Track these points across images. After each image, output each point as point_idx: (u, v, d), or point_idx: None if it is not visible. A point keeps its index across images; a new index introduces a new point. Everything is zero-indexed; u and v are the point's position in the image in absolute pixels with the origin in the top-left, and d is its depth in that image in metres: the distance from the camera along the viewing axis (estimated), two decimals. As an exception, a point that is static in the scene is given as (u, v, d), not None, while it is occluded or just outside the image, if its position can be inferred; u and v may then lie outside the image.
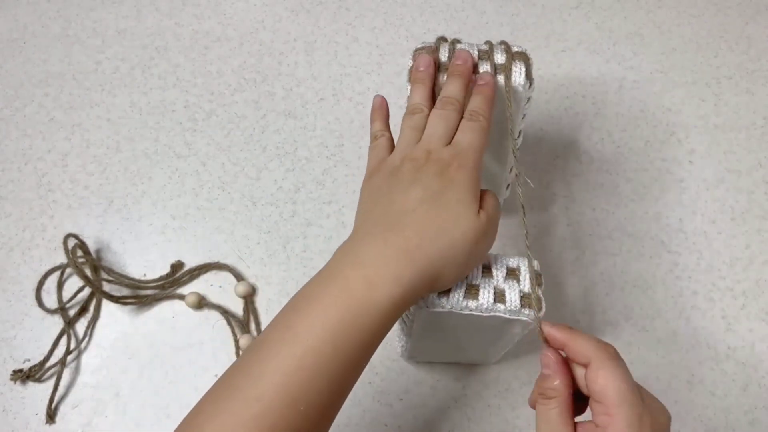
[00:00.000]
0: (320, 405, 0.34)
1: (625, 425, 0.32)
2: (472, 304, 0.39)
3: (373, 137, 0.44)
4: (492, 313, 0.39)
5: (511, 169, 0.51)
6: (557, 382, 0.35)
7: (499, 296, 0.39)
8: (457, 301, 0.39)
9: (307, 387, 0.34)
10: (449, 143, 0.40)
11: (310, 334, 0.34)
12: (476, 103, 0.42)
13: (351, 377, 0.36)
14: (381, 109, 0.45)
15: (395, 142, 0.44)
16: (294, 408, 0.33)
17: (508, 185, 0.54)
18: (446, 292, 0.39)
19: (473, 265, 0.39)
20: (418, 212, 0.37)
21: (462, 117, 0.42)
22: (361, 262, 0.36)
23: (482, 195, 0.39)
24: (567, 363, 0.36)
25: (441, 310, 0.39)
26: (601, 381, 0.33)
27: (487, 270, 0.40)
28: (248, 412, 0.33)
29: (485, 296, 0.39)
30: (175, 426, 0.34)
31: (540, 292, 0.40)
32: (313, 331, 0.34)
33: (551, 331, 0.37)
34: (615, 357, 0.34)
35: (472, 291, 0.39)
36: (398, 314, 0.36)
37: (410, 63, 0.45)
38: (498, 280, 0.40)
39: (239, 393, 0.34)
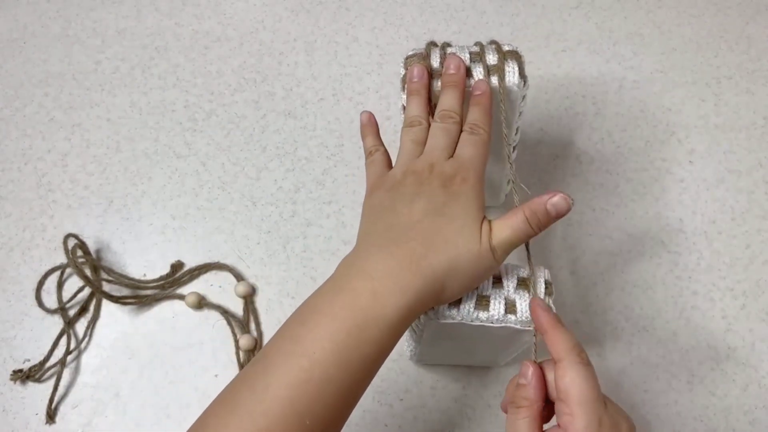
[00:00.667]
0: (327, 418, 0.34)
1: (584, 424, 0.32)
2: (482, 315, 0.39)
3: (368, 153, 0.44)
4: (503, 324, 0.39)
5: (510, 169, 0.51)
6: (531, 392, 0.35)
7: (510, 307, 0.39)
8: (467, 312, 0.39)
9: (313, 401, 0.33)
10: (451, 156, 0.40)
11: (316, 346, 0.34)
12: (475, 115, 0.41)
13: (358, 390, 0.36)
14: (370, 125, 0.45)
15: (390, 156, 0.43)
16: (300, 422, 0.33)
17: (509, 181, 0.54)
18: (457, 302, 0.39)
19: (480, 279, 0.39)
20: (423, 224, 0.37)
21: (462, 128, 0.42)
22: (367, 273, 0.36)
23: (507, 214, 0.38)
24: (544, 376, 0.36)
25: (451, 321, 0.39)
26: (567, 380, 0.33)
27: (497, 281, 0.40)
28: (254, 428, 0.32)
29: (496, 307, 0.39)
30: (175, 426, 0.34)
31: (551, 301, 0.40)
32: (320, 344, 0.34)
33: (540, 314, 0.36)
34: (585, 363, 0.34)
35: (482, 302, 0.39)
36: (406, 325, 0.36)
37: (402, 71, 0.45)
38: (509, 291, 0.40)
39: (244, 408, 0.33)
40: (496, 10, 0.71)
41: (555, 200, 0.37)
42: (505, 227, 0.38)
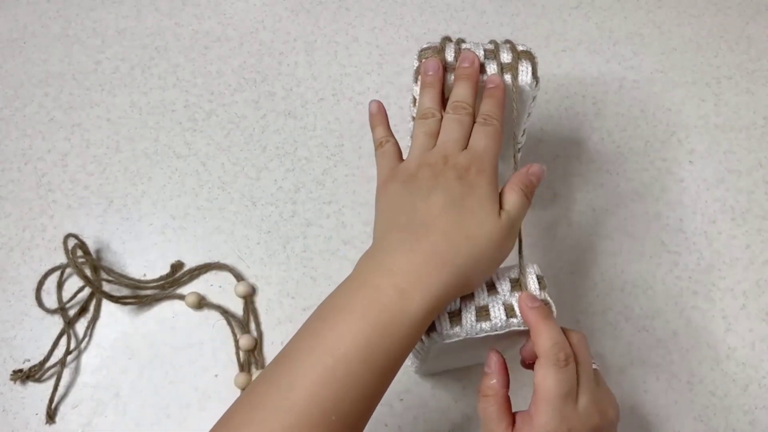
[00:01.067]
0: (351, 416, 0.34)
1: (545, 419, 0.35)
2: (485, 325, 0.39)
3: (378, 144, 0.43)
4: (507, 330, 0.39)
5: (515, 170, 0.51)
6: (494, 382, 0.38)
7: (510, 311, 0.39)
8: (470, 326, 0.39)
9: (338, 398, 0.33)
10: (464, 147, 0.40)
11: (341, 344, 0.34)
12: (488, 106, 0.42)
13: (382, 387, 0.36)
14: (380, 114, 0.45)
15: (401, 148, 0.44)
16: (326, 419, 0.33)
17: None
18: (458, 319, 0.39)
19: (496, 267, 0.39)
20: (443, 218, 0.37)
21: (474, 120, 0.42)
22: (390, 270, 0.36)
23: (503, 194, 0.39)
24: (506, 365, 0.39)
25: (456, 339, 0.39)
26: (538, 378, 0.36)
27: (491, 288, 0.40)
28: (279, 424, 0.32)
29: (497, 314, 0.39)
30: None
31: (546, 294, 0.40)
32: (344, 341, 0.34)
33: (526, 312, 0.38)
34: (561, 365, 0.36)
35: (482, 313, 0.39)
36: (428, 322, 0.36)
37: (416, 63, 0.44)
38: (505, 296, 0.40)
39: (270, 404, 0.33)
40: (496, 10, 0.71)
41: (533, 170, 0.41)
42: (514, 204, 0.39)
